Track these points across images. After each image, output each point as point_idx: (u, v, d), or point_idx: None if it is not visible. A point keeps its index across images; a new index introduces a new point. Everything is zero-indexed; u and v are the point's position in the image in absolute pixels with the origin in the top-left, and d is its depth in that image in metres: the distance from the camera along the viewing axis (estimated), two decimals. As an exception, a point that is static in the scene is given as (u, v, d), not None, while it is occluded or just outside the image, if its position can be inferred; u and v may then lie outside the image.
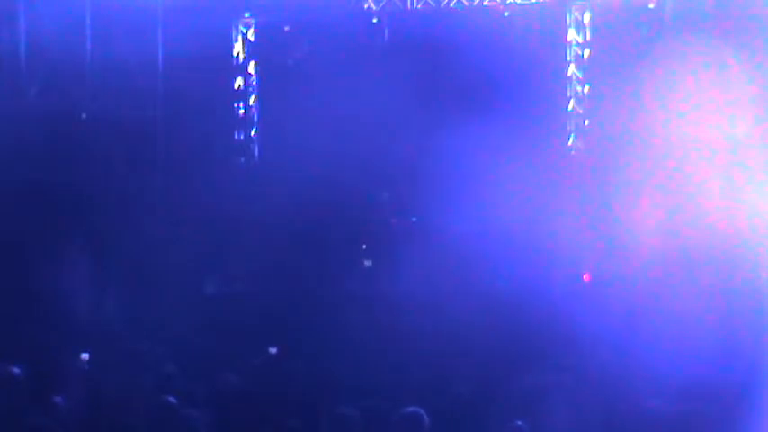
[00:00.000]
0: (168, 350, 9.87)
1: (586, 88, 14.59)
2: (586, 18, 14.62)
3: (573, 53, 14.68)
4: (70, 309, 12.22)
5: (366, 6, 15.39)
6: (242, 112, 15.99)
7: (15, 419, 7.06)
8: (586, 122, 14.61)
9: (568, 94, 14.69)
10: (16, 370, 7.76)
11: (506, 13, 15.00)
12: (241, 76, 15.97)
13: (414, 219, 15.18)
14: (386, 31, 15.40)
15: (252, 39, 16.02)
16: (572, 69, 14.67)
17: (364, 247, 15.15)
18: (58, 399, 7.52)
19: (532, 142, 14.18)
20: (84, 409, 7.59)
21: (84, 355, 9.48)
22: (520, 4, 14.89)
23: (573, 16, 14.67)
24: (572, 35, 14.67)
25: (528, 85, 14.41)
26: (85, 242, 13.53)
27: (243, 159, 16.03)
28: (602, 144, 14.23)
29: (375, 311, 13.16)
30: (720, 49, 12.57)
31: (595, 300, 11.84)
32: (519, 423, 6.84)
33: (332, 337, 11.76)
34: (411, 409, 6.83)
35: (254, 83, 16.03)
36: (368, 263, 15.03)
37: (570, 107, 14.69)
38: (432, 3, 15.17)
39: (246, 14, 15.95)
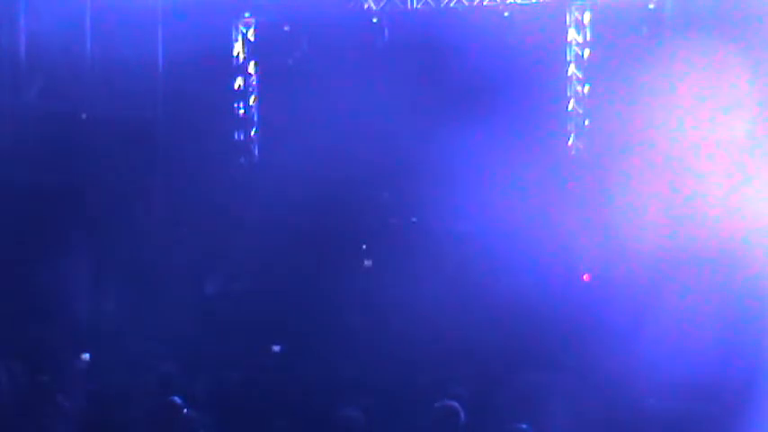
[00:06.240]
0: (168, 350, 9.88)
1: (586, 88, 14.59)
2: (586, 18, 14.62)
3: (573, 53, 14.68)
4: (71, 309, 12.23)
5: (366, 6, 15.40)
6: (242, 112, 16.00)
7: (16, 419, 7.07)
8: (586, 122, 14.61)
9: (568, 94, 14.69)
10: (16, 369, 7.78)
11: (506, 13, 14.99)
12: (241, 76, 15.99)
13: (414, 219, 15.17)
14: (386, 31, 15.39)
15: (252, 39, 16.03)
16: (572, 69, 14.67)
17: (364, 247, 15.14)
18: (58, 398, 7.53)
19: (533, 142, 14.19)
20: (85, 409, 7.60)
21: (85, 355, 9.49)
22: (520, 4, 14.89)
23: (573, 16, 14.67)
24: (572, 35, 14.67)
25: (528, 85, 14.41)
26: (85, 242, 13.52)
27: (243, 159, 16.03)
28: (602, 144, 14.23)
29: (375, 311, 13.17)
30: (720, 49, 12.56)
31: (596, 300, 11.85)
32: (524, 426, 6.82)
33: (332, 337, 11.77)
34: (447, 402, 6.85)
35: (254, 83, 16.04)
36: (368, 263, 15.02)
37: (570, 107, 14.69)
38: (432, 3, 15.17)
39: (246, 14, 15.96)
